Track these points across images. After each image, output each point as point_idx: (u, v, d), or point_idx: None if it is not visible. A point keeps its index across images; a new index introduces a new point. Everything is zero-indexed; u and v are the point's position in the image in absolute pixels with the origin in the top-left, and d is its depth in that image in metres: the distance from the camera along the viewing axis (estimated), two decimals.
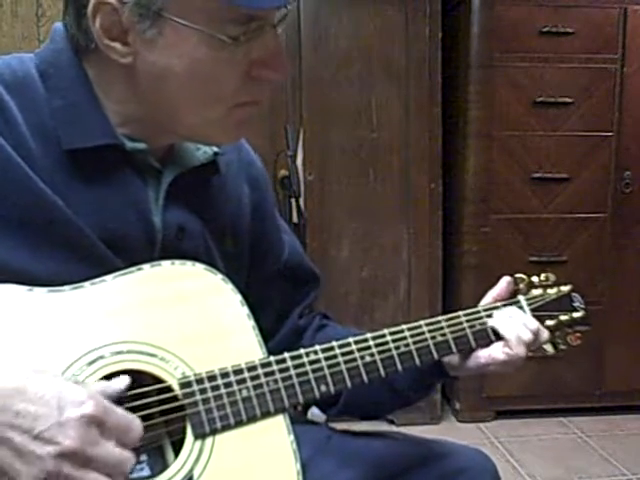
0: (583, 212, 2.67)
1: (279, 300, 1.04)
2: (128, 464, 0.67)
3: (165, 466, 0.77)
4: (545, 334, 0.99)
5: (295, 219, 2.32)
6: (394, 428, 2.56)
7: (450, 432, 2.64)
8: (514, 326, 0.96)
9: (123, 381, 0.73)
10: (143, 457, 0.78)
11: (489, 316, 0.99)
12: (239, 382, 0.80)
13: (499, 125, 2.61)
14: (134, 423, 0.69)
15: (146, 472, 0.78)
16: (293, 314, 1.06)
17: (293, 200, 2.30)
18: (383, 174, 2.64)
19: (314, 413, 1.07)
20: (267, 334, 0.88)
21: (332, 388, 0.86)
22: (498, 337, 0.97)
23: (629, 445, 2.57)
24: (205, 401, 0.78)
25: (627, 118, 2.64)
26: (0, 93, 0.79)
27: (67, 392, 0.65)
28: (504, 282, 1.03)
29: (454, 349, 0.95)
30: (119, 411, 0.68)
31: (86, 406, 0.64)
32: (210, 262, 0.86)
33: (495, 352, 0.97)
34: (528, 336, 0.96)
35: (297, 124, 2.51)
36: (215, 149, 0.92)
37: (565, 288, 1.06)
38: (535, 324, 0.98)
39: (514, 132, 2.62)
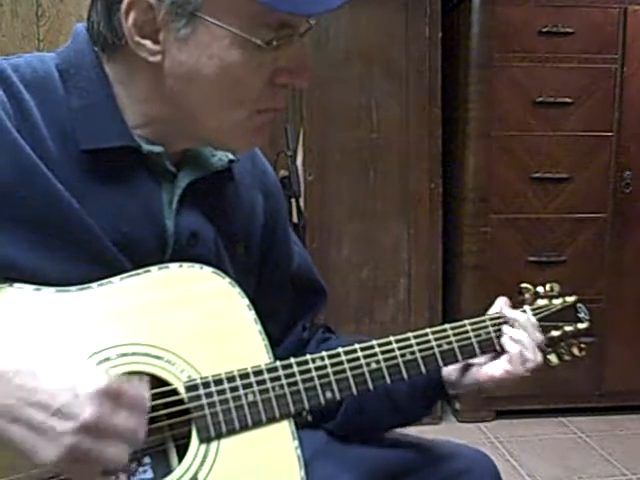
0: (583, 212, 2.67)
1: (285, 310, 1.04)
2: (142, 432, 0.69)
3: (168, 469, 0.77)
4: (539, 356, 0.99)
5: (295, 219, 2.31)
6: None
7: (450, 432, 2.64)
8: (519, 346, 0.97)
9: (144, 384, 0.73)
10: (146, 460, 0.78)
11: (494, 325, 0.99)
12: (245, 386, 0.80)
13: (499, 125, 2.61)
14: (143, 394, 0.70)
15: (149, 475, 0.78)
16: (298, 325, 1.06)
17: (293, 200, 2.30)
18: (383, 174, 2.64)
19: None
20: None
21: (338, 395, 0.86)
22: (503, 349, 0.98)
23: (629, 445, 2.57)
24: (211, 405, 0.78)
25: (627, 118, 2.64)
26: (20, 92, 0.79)
27: (81, 369, 0.67)
28: (501, 302, 1.03)
29: (460, 357, 0.95)
30: (129, 385, 0.69)
31: (100, 380, 0.66)
32: (220, 268, 0.86)
33: (493, 370, 0.97)
34: (530, 357, 0.96)
35: (297, 124, 2.51)
36: (230, 156, 0.92)
37: (570, 299, 1.06)
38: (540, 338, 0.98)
39: (514, 132, 2.62)
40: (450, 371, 0.99)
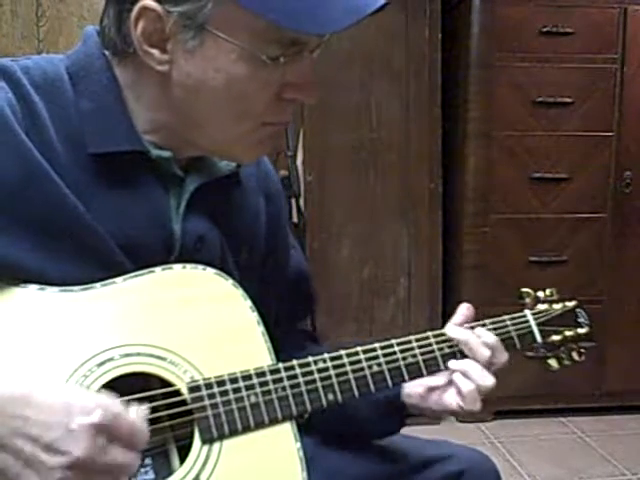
0: (583, 212, 2.67)
1: (276, 313, 1.03)
2: (134, 467, 0.68)
3: (170, 470, 0.77)
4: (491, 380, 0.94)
5: (295, 219, 2.32)
6: None
7: (450, 432, 2.63)
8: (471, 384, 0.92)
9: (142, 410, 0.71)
10: (147, 461, 0.78)
11: (495, 329, 0.97)
12: (248, 388, 0.80)
13: (499, 125, 2.61)
14: (141, 427, 0.69)
15: (150, 475, 0.78)
16: (278, 330, 1.04)
17: (293, 200, 2.30)
18: (383, 174, 2.64)
19: None
20: None
21: (340, 396, 0.86)
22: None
23: (629, 445, 2.57)
24: (213, 406, 0.78)
25: (627, 118, 2.64)
26: (30, 94, 0.79)
27: (75, 399, 0.65)
28: (463, 309, 1.00)
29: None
30: (126, 416, 0.67)
31: (95, 415, 0.64)
32: (225, 272, 0.86)
33: (449, 400, 0.93)
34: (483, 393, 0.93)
35: (297, 124, 2.50)
36: None
37: (570, 304, 1.07)
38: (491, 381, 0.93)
39: (514, 132, 2.62)
40: (410, 393, 0.96)
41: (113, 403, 0.67)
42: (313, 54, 0.81)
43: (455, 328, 0.96)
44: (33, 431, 0.62)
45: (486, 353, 0.93)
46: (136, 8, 0.76)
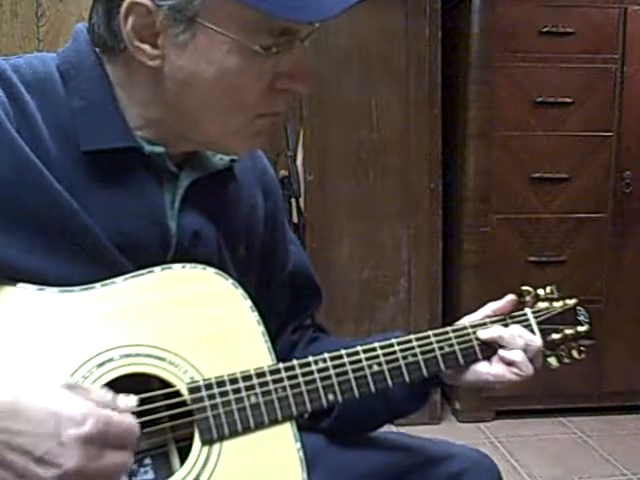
0: (583, 212, 2.67)
1: (280, 311, 1.03)
2: (128, 465, 0.67)
3: (170, 471, 0.77)
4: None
5: (295, 219, 2.32)
6: (394, 428, 2.56)
7: (450, 432, 2.64)
8: (521, 347, 0.97)
9: (131, 402, 0.71)
10: (147, 461, 0.78)
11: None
12: (248, 388, 0.80)
13: (499, 125, 2.61)
14: (131, 423, 0.68)
15: (150, 476, 0.78)
16: (289, 328, 1.05)
17: (293, 200, 2.30)
18: (383, 174, 2.64)
19: None
20: None
21: (340, 397, 0.86)
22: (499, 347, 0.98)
23: (629, 445, 2.57)
24: (213, 407, 0.78)
25: (627, 118, 2.64)
26: (21, 93, 0.79)
27: (63, 408, 0.64)
28: (508, 301, 1.02)
29: (461, 361, 0.96)
30: (116, 418, 0.66)
31: (86, 425, 0.63)
32: (222, 268, 0.86)
33: (498, 370, 0.98)
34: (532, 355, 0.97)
35: (297, 124, 2.50)
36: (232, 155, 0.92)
37: (571, 302, 1.06)
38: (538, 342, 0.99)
39: (514, 132, 2.62)
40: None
41: (101, 405, 0.66)
42: (304, 43, 0.81)
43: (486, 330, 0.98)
44: (23, 444, 0.61)
45: (520, 342, 0.97)
46: (125, 4, 0.76)
